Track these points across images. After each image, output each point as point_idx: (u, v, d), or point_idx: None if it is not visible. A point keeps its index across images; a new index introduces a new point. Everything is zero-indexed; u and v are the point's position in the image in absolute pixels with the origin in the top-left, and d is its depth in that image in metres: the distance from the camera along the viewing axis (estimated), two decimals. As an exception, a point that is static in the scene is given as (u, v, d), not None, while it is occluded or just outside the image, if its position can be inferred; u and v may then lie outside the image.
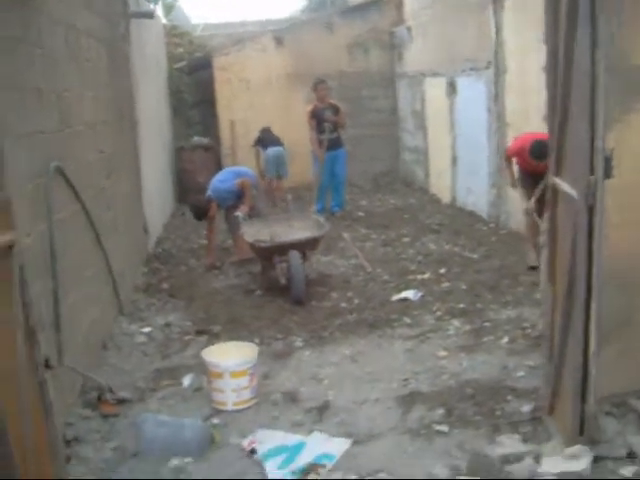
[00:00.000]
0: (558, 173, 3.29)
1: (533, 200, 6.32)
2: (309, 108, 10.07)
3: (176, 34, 14.13)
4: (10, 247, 2.98)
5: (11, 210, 2.96)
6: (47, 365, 3.37)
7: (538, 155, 5.85)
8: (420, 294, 6.19)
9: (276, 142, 10.97)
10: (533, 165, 6.16)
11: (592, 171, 2.70)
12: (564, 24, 2.86)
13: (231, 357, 4.31)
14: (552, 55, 3.23)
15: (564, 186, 3.09)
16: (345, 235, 8.65)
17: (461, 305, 5.85)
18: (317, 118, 9.78)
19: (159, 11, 13.18)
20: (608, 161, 2.70)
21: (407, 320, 5.60)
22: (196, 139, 12.41)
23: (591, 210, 2.77)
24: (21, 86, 3.84)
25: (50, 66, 4.43)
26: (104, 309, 5.47)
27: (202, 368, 4.53)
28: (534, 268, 6.26)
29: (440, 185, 10.81)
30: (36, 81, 4.13)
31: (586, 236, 2.84)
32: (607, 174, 2.72)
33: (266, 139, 11.04)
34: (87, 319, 4.85)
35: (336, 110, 9.88)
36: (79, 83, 5.20)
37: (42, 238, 3.97)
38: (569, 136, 3.01)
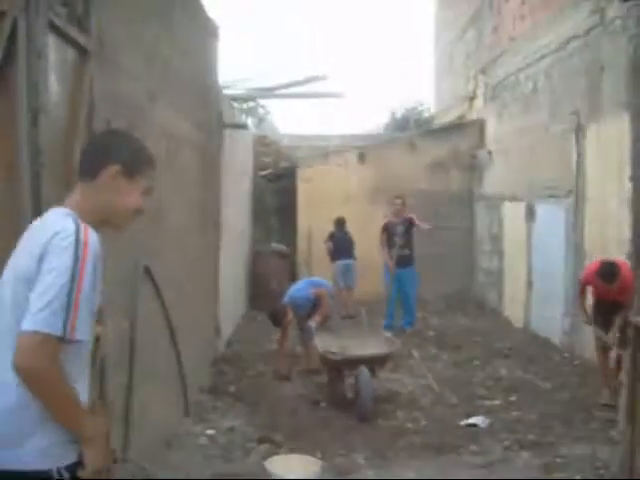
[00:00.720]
0: (640, 311, 3.24)
1: (611, 334, 6.14)
2: (384, 222, 10.25)
3: (264, 143, 14.75)
4: (96, 339, 3.12)
5: (102, 310, 3.11)
6: (114, 458, 3.43)
7: (607, 275, 5.74)
8: (488, 421, 6.02)
9: (345, 254, 11.24)
10: (605, 290, 6.03)
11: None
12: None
13: (294, 470, 4.26)
14: (638, 190, 3.25)
15: (647, 326, 3.04)
16: (415, 354, 8.56)
17: (531, 436, 5.65)
18: (388, 232, 9.95)
19: (250, 122, 13.87)
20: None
21: (474, 447, 5.43)
22: (274, 245, 12.71)
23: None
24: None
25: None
26: (171, 408, 5.53)
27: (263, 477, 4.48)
28: (607, 406, 6.05)
29: (514, 309, 10.66)
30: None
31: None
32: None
33: (337, 245, 11.32)
34: (155, 416, 4.91)
35: (409, 224, 9.98)
36: (172, 188, 5.48)
37: (124, 333, 4.11)
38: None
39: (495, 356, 8.47)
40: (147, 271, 4.57)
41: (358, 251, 11.43)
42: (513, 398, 6.74)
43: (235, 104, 10.73)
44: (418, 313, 10.52)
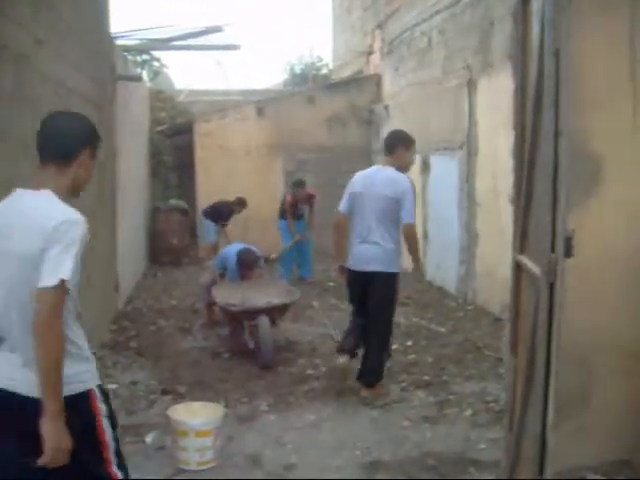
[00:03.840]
0: (522, 251, 3.45)
1: None
2: (289, 198, 10.35)
3: (160, 98, 14.43)
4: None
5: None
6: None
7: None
8: (387, 364, 6.25)
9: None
10: None
11: (553, 250, 2.86)
12: (530, 111, 3.06)
13: (197, 417, 4.33)
14: (519, 139, 3.44)
15: (527, 263, 3.24)
16: (315, 304, 8.73)
17: (426, 377, 5.94)
18: (294, 210, 10.30)
19: (145, 75, 13.49)
20: (569, 241, 2.86)
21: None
22: (173, 201, 12.55)
23: (552, 287, 2.91)
24: (10, 139, 3.95)
25: (39, 122, 4.55)
26: (71, 364, 5.45)
27: (166, 427, 4.53)
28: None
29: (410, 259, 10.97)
30: (25, 136, 4.24)
31: (547, 312, 2.97)
32: (567, 253, 2.87)
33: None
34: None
35: (312, 200, 10.33)
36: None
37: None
38: (532, 217, 3.18)
39: (393, 304, 8.74)
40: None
41: (258, 203, 11.63)
42: (410, 343, 7.02)
43: (129, 56, 10.41)
44: (319, 265, 10.69)
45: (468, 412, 5.12)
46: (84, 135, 2.60)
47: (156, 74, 14.72)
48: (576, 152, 2.83)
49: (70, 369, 2.39)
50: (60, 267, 2.30)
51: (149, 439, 4.65)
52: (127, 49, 9.90)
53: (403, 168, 5.32)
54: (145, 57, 13.79)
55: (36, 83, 4.49)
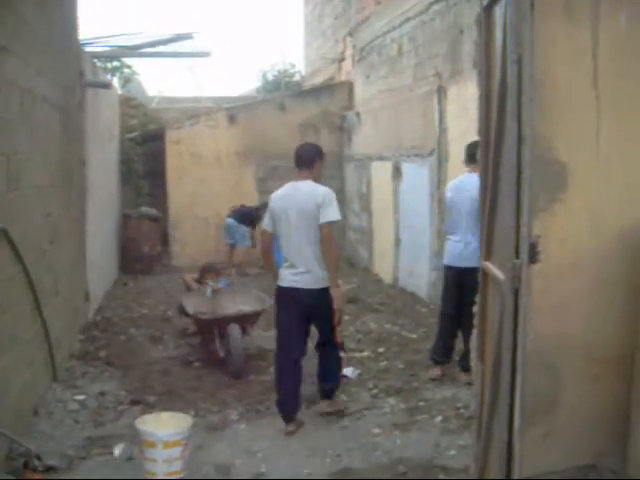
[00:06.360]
0: (488, 257, 3.46)
1: None
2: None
3: (131, 105, 14.34)
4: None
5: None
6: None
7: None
8: (358, 372, 6.25)
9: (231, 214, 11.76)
10: None
11: (518, 256, 2.87)
12: (494, 118, 3.08)
13: (165, 427, 4.27)
14: (484, 146, 3.45)
15: (492, 269, 3.25)
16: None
17: (397, 384, 5.93)
18: None
19: (116, 82, 13.41)
20: (533, 247, 2.87)
21: (344, 397, 5.63)
22: (144, 209, 12.45)
23: (517, 293, 2.92)
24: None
25: (2, 128, 4.49)
26: (37, 374, 5.37)
27: (135, 438, 4.47)
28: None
29: (383, 266, 11.02)
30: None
31: (512, 318, 2.98)
32: (532, 259, 2.88)
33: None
34: (19, 383, 4.76)
35: None
36: (29, 146, 5.26)
37: (-20, 298, 3.95)
38: (497, 223, 3.20)
39: (365, 311, 8.75)
40: (4, 234, 4.38)
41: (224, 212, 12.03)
42: (381, 349, 7.01)
43: (98, 63, 10.33)
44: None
45: (439, 418, 5.13)
46: (319, 152, 5.30)
47: (127, 81, 14.65)
48: (540, 159, 2.84)
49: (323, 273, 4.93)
50: (330, 214, 4.93)
51: (117, 450, 4.60)
52: (97, 56, 9.82)
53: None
54: (116, 64, 13.72)
55: (0, 89, 4.42)
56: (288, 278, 5.05)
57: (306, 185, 5.09)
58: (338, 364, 5.35)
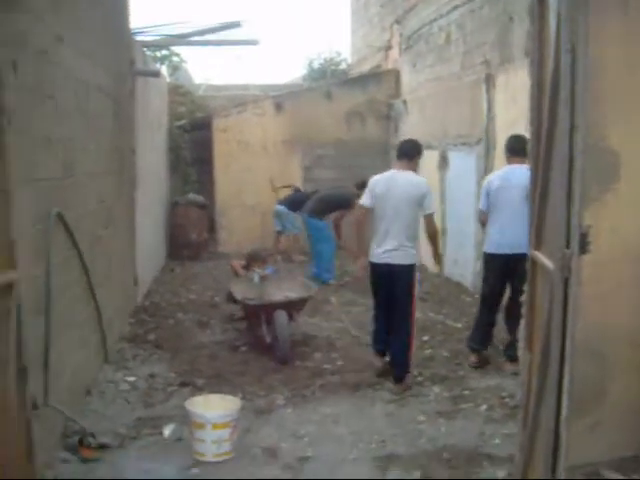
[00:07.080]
0: (537, 247, 3.45)
1: None
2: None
3: (179, 93, 14.49)
4: (9, 286, 3.11)
5: (14, 251, 3.10)
6: (34, 404, 3.45)
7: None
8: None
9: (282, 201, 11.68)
10: None
11: (568, 245, 2.86)
12: (547, 107, 3.07)
13: (214, 409, 4.38)
14: (536, 136, 3.44)
15: (542, 259, 3.25)
16: (332, 299, 8.76)
17: (442, 372, 5.95)
18: None
19: (164, 70, 13.57)
20: (584, 237, 2.86)
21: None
22: (191, 196, 12.61)
23: (566, 282, 2.91)
24: (33, 134, 4.01)
25: (59, 117, 4.62)
26: (90, 355, 5.54)
27: (184, 419, 4.59)
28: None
29: (429, 255, 10.95)
30: (46, 130, 4.32)
31: (561, 307, 2.97)
32: (583, 249, 2.88)
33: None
34: (73, 363, 4.92)
35: None
36: (84, 134, 5.40)
37: (39, 280, 4.09)
38: (548, 212, 3.19)
39: (410, 300, 8.73)
40: (60, 218, 4.52)
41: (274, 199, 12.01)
42: (426, 337, 7.03)
43: (148, 51, 10.48)
44: (336, 260, 10.65)
45: (483, 407, 5.14)
46: (419, 147, 5.96)
47: (175, 69, 14.80)
48: (592, 148, 2.83)
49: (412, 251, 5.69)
50: (431, 206, 5.71)
51: (167, 431, 4.72)
52: (146, 45, 9.97)
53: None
54: (164, 52, 13.87)
55: (56, 79, 4.55)
56: (380, 255, 5.73)
57: (408, 174, 5.82)
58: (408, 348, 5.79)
